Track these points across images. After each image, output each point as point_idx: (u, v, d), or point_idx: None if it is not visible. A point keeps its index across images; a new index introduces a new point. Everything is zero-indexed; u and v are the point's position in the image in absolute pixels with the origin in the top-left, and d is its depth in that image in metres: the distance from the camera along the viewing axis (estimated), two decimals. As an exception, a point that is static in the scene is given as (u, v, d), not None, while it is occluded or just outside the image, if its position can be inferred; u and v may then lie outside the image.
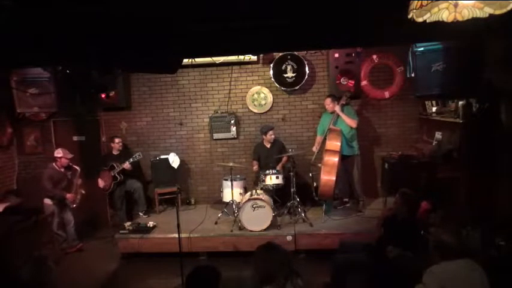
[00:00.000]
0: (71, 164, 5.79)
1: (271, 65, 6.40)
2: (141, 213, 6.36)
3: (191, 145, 6.97)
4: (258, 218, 5.24)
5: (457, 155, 4.76)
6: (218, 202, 6.49)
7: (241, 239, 5.30)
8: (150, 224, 5.71)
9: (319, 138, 5.88)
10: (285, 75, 6.41)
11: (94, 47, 3.03)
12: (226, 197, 5.96)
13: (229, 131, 6.74)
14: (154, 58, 3.58)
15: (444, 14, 1.87)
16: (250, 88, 6.74)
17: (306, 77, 6.36)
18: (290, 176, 5.53)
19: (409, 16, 2.03)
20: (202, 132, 6.93)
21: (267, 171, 5.67)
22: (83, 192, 5.89)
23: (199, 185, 7.03)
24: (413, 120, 6.46)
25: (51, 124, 6.96)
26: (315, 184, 5.78)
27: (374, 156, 6.61)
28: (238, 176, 6.20)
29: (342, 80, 6.03)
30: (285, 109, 6.75)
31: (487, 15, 1.83)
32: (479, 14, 1.83)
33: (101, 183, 6.25)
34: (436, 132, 5.56)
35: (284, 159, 6.17)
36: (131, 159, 6.16)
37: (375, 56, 6.08)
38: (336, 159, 5.38)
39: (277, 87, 6.54)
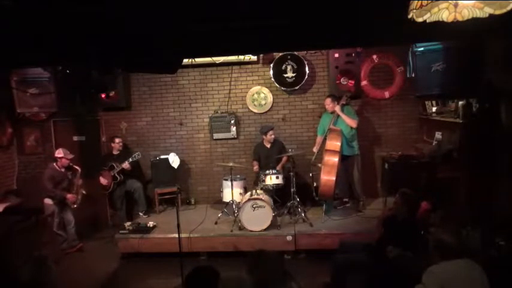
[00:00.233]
0: (71, 164, 5.79)
1: (271, 65, 6.40)
2: (141, 213, 6.36)
3: (191, 145, 6.97)
4: (258, 218, 5.24)
5: (457, 155, 4.77)
6: (218, 202, 6.49)
7: (241, 239, 5.30)
8: (150, 224, 5.71)
9: (319, 138, 5.89)
10: (285, 75, 6.41)
11: (94, 47, 3.03)
12: (226, 197, 5.96)
13: (229, 131, 6.74)
14: (154, 58, 3.57)
15: (444, 14, 1.87)
16: (250, 88, 6.74)
17: (306, 77, 6.36)
18: (290, 176, 5.53)
19: (409, 16, 2.03)
20: (202, 132, 6.93)
21: (267, 171, 5.67)
22: (84, 192, 5.88)
23: (199, 185, 7.03)
24: (413, 120, 6.46)
25: (51, 124, 6.96)
26: (315, 184, 5.77)
27: (374, 156, 6.61)
28: (238, 176, 6.20)
29: (342, 80, 6.03)
30: (285, 109, 6.75)
31: (487, 15, 1.83)
32: (479, 14, 1.83)
33: (103, 180, 6.24)
34: (436, 132, 5.56)
35: (284, 159, 6.16)
36: (130, 159, 6.16)
37: (375, 56, 6.07)
38: (336, 159, 5.38)
39: (277, 87, 6.54)
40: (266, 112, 6.76)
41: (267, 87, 6.69)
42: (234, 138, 6.82)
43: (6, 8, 2.51)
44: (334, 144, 5.43)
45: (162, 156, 6.63)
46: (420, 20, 1.97)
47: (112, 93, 6.14)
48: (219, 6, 2.66)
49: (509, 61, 3.57)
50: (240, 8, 2.64)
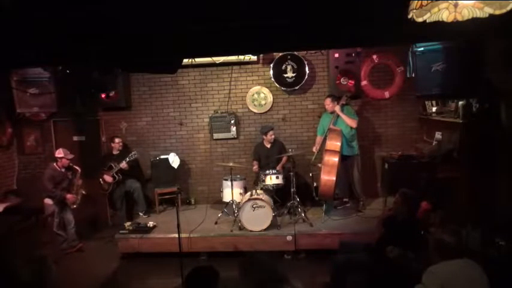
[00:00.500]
0: (71, 164, 5.79)
1: (271, 65, 6.40)
2: (141, 213, 6.36)
3: (191, 145, 6.97)
4: (258, 218, 5.24)
5: (457, 155, 4.77)
6: (218, 202, 6.49)
7: (241, 239, 5.30)
8: (150, 224, 5.71)
9: (319, 139, 5.88)
10: (285, 75, 6.41)
11: (94, 47, 3.02)
12: (226, 197, 5.96)
13: (229, 131, 6.74)
14: (154, 58, 3.57)
15: (444, 14, 1.87)
16: (250, 88, 6.74)
17: (306, 77, 6.36)
18: (290, 176, 5.53)
19: (409, 16, 2.03)
20: (202, 132, 6.93)
21: (267, 171, 5.67)
22: (84, 192, 5.89)
23: (199, 185, 7.03)
24: (413, 120, 6.46)
25: (51, 124, 6.96)
26: (315, 184, 5.78)
27: (374, 156, 6.61)
28: (238, 176, 6.20)
29: (342, 80, 6.03)
30: (285, 109, 6.75)
31: (487, 15, 1.83)
32: (479, 14, 1.83)
33: (108, 178, 6.22)
34: (436, 132, 5.56)
35: (284, 159, 6.17)
36: (127, 158, 6.15)
37: (375, 56, 6.08)
38: (336, 159, 5.38)
39: (277, 87, 6.54)
40: (266, 112, 6.76)
41: (267, 87, 6.69)
42: (234, 138, 6.82)
43: (6, 8, 2.51)
44: (334, 144, 5.43)
45: (162, 156, 6.64)
46: (420, 20, 1.97)
47: (112, 93, 6.15)
48: (219, 6, 2.66)
49: (509, 61, 3.57)
50: (240, 8, 2.64)
